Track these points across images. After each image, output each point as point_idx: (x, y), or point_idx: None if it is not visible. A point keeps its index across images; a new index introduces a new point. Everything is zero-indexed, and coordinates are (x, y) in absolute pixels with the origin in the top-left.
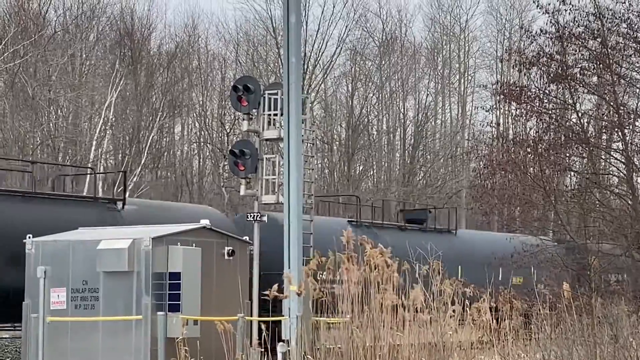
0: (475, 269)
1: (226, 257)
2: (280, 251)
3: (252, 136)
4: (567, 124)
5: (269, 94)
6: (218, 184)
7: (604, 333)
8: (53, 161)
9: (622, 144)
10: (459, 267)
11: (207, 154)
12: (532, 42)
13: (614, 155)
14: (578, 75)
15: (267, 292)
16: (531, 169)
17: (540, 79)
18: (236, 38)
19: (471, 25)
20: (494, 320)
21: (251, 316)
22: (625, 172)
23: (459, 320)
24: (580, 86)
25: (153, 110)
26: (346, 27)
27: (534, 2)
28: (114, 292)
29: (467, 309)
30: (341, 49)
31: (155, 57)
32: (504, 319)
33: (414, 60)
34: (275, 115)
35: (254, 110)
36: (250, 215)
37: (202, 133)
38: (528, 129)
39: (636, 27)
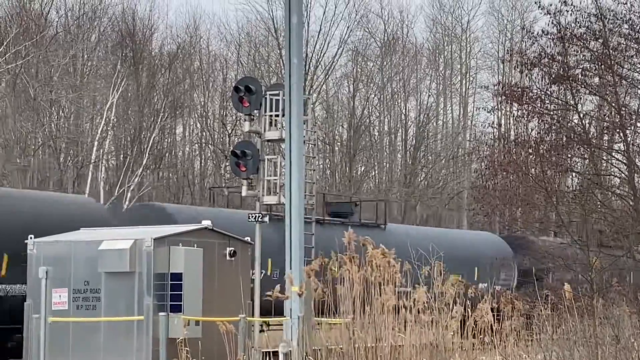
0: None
1: (227, 257)
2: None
3: (253, 137)
4: (569, 125)
5: (270, 94)
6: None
7: (605, 334)
8: (55, 162)
9: (623, 145)
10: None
11: (209, 154)
12: (534, 43)
13: (616, 156)
14: (580, 76)
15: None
16: (533, 169)
17: (542, 80)
18: (238, 39)
19: (473, 26)
20: (495, 321)
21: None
22: (626, 173)
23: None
24: (581, 87)
25: (155, 111)
26: (348, 28)
27: (535, 3)
28: (116, 293)
29: (469, 309)
30: (343, 49)
31: (156, 58)
32: (506, 320)
33: (416, 61)
34: (277, 116)
35: (255, 111)
36: (252, 216)
37: (204, 134)
38: (529, 130)
39: (638, 28)
